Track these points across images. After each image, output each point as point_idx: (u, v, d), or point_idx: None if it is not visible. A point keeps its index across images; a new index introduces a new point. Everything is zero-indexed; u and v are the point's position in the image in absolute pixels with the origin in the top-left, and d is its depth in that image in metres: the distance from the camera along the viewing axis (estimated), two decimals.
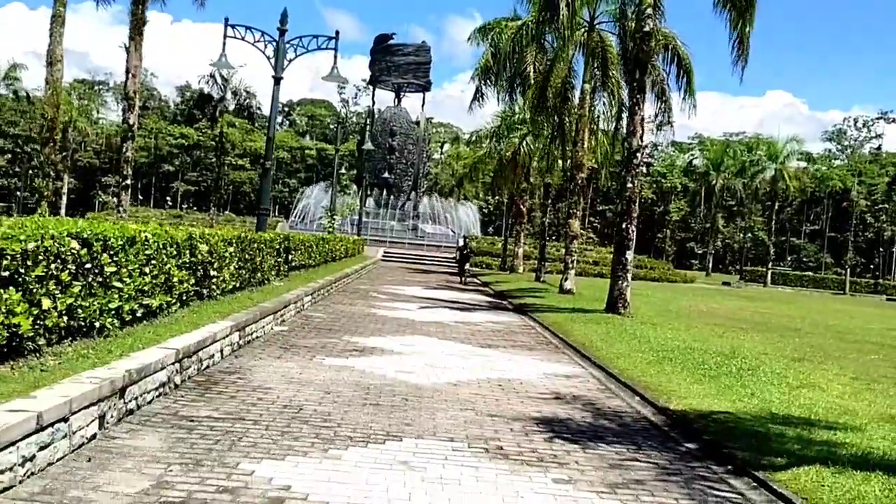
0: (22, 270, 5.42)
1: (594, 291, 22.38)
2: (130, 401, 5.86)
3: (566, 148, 24.61)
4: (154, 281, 8.08)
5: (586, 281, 31.90)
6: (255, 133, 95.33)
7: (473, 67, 27.63)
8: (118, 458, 4.85)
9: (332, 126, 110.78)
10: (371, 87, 59.55)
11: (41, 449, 4.46)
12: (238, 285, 11.91)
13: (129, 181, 25.17)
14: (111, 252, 6.91)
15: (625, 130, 17.27)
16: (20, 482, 4.22)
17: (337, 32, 15.11)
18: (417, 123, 58.93)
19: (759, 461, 5.83)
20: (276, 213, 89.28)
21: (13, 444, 4.15)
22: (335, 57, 15.15)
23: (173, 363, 6.80)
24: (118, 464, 4.75)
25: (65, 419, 4.73)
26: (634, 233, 16.59)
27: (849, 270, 71.21)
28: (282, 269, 15.62)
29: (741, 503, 5.12)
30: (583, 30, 22.96)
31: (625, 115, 17.74)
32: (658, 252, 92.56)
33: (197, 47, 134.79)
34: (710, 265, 79.30)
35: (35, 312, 5.59)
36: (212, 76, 53.69)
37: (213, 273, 10.37)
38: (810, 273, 78.24)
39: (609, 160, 29.50)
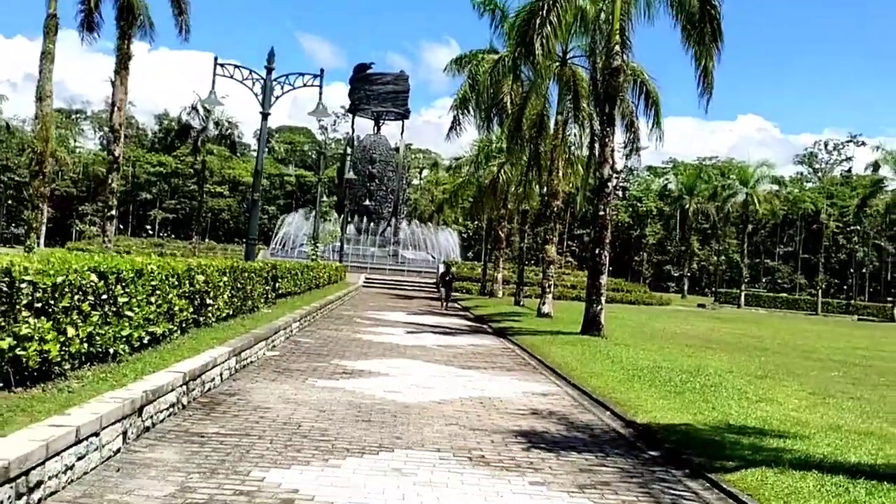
0: (52, 302, 6.06)
1: (571, 314, 23.16)
2: (147, 419, 6.49)
3: (542, 176, 25.52)
4: (158, 310, 8.70)
5: (564, 304, 32.72)
6: (234, 161, 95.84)
7: (451, 94, 28.70)
8: (143, 468, 5.47)
9: (311, 153, 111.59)
10: (351, 115, 60.49)
11: (78, 459, 5.08)
12: (231, 313, 12.52)
13: (113, 212, 25.63)
14: (123, 284, 7.54)
15: (597, 160, 18.16)
16: (62, 488, 4.83)
17: (322, 70, 15.93)
18: (397, 150, 59.88)
19: (713, 465, 6.56)
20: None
21: (58, 454, 4.77)
22: (320, 93, 15.95)
23: (181, 385, 7.42)
24: (144, 473, 5.38)
25: (96, 433, 5.35)
26: (608, 258, 17.43)
27: (821, 291, 72.90)
28: (270, 296, 16.22)
29: (694, 500, 5.84)
30: (556, 63, 23.99)
31: (597, 145, 18.60)
32: (635, 275, 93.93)
33: (174, 75, 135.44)
34: (686, 287, 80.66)
35: (62, 340, 6.22)
36: (193, 107, 54.21)
37: (209, 301, 10.99)
38: (784, 294, 79.91)
39: (584, 187, 30.48)
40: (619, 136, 23.57)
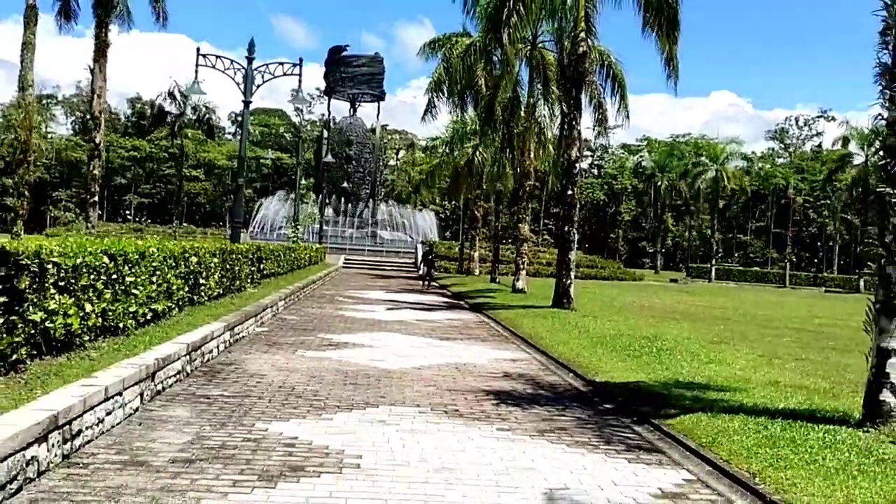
0: (73, 281, 6.86)
1: (544, 290, 24.17)
2: (158, 383, 7.33)
3: (515, 156, 26.43)
4: (158, 289, 9.50)
5: (539, 281, 33.78)
6: (210, 144, 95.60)
7: (426, 75, 29.46)
8: (160, 423, 6.32)
9: (286, 135, 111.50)
10: (326, 98, 60.80)
11: (107, 414, 5.92)
12: (221, 292, 13.32)
13: (95, 198, 26.12)
14: (129, 265, 8.34)
15: (565, 142, 19.07)
16: (96, 437, 5.67)
17: (301, 59, 16.63)
18: (373, 131, 60.36)
19: (658, 413, 7.54)
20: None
21: (92, 408, 5.61)
22: (299, 82, 16.69)
23: (185, 355, 8.26)
24: (162, 426, 6.23)
25: (120, 393, 6.19)
26: (576, 235, 18.42)
27: (788, 264, 74.80)
28: (255, 277, 17.01)
29: (637, 439, 6.82)
30: (527, 47, 24.79)
31: (565, 128, 19.50)
32: (611, 252, 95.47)
33: (146, 57, 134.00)
34: (661, 263, 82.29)
35: (81, 314, 7.02)
36: (170, 93, 54.25)
37: (202, 281, 11.78)
38: (755, 268, 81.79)
39: (556, 166, 31.46)
40: (588, 118, 24.52)
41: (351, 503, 4.71)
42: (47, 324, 6.37)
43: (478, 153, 34.23)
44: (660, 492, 5.34)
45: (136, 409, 6.61)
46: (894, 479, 5.35)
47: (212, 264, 12.44)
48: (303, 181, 44.31)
